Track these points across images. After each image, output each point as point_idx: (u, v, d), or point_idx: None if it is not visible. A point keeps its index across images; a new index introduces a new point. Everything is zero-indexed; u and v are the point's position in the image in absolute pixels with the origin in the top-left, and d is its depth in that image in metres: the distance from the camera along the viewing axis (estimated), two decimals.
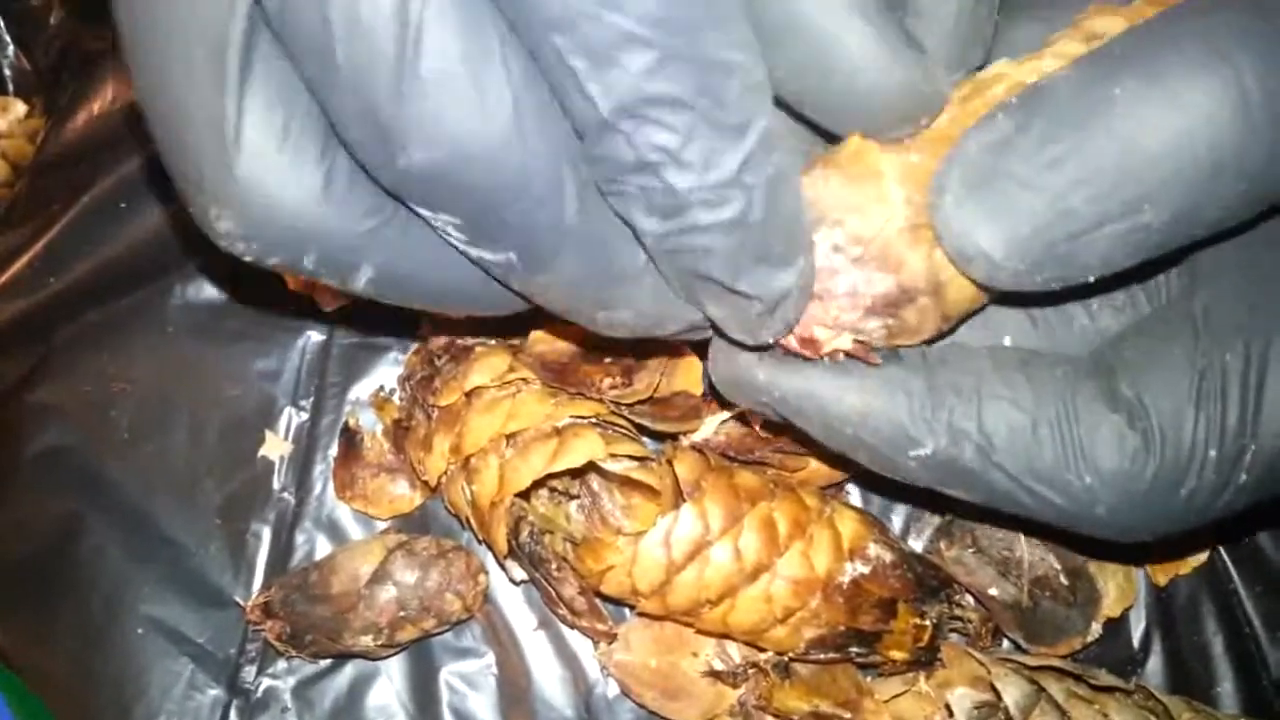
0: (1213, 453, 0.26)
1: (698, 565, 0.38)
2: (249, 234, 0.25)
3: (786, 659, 0.41)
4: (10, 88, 0.59)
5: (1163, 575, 0.45)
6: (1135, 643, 0.45)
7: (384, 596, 0.43)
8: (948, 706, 0.41)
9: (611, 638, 0.43)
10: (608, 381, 0.41)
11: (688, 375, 0.43)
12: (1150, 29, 0.24)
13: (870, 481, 0.46)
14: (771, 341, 0.29)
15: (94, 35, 0.57)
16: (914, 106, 0.26)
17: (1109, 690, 0.39)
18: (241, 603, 0.45)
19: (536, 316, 0.30)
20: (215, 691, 0.45)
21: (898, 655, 0.40)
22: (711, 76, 0.22)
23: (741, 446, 0.42)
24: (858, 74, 0.25)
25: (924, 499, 0.45)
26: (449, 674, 0.45)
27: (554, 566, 0.42)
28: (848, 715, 0.41)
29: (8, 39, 0.59)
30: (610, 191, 0.24)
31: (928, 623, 0.40)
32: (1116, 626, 0.44)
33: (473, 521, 0.42)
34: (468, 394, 0.42)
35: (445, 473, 0.42)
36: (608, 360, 0.42)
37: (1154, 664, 0.45)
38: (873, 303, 0.27)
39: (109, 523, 0.47)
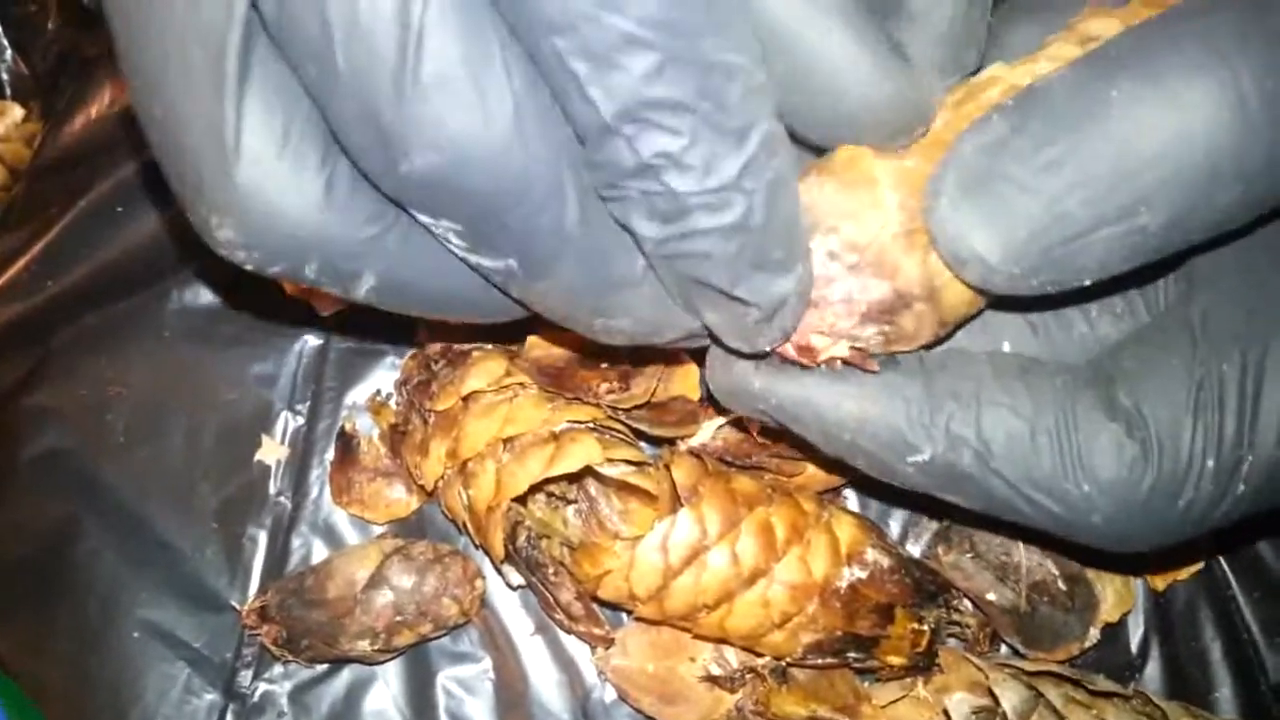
0: (1210, 463, 0.26)
1: (695, 570, 0.38)
2: (250, 242, 0.25)
3: (784, 664, 0.41)
4: (7, 92, 0.59)
5: (1161, 581, 0.45)
6: (1133, 648, 0.45)
7: (380, 601, 0.43)
8: (946, 712, 0.40)
9: (609, 642, 0.43)
10: (605, 386, 0.41)
11: (685, 380, 0.43)
12: (1148, 30, 0.24)
13: (868, 486, 0.46)
14: (768, 350, 0.29)
15: (91, 40, 0.56)
16: (904, 119, 0.26)
17: (1107, 695, 0.39)
18: (238, 607, 0.45)
19: (534, 322, 0.29)
20: (211, 696, 0.45)
21: (895, 660, 0.40)
22: (713, 79, 0.22)
23: (739, 451, 0.42)
24: (844, 89, 0.25)
25: (922, 504, 0.45)
26: (446, 679, 0.45)
27: (551, 571, 0.42)
28: None
29: (5, 43, 0.59)
30: (610, 196, 0.24)
31: (925, 628, 0.40)
32: (1115, 632, 0.44)
33: (469, 526, 0.42)
34: (464, 399, 0.42)
35: (442, 477, 0.42)
36: (605, 365, 0.42)
37: (1152, 669, 0.45)
38: (869, 309, 0.27)
39: (105, 526, 0.46)
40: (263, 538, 0.47)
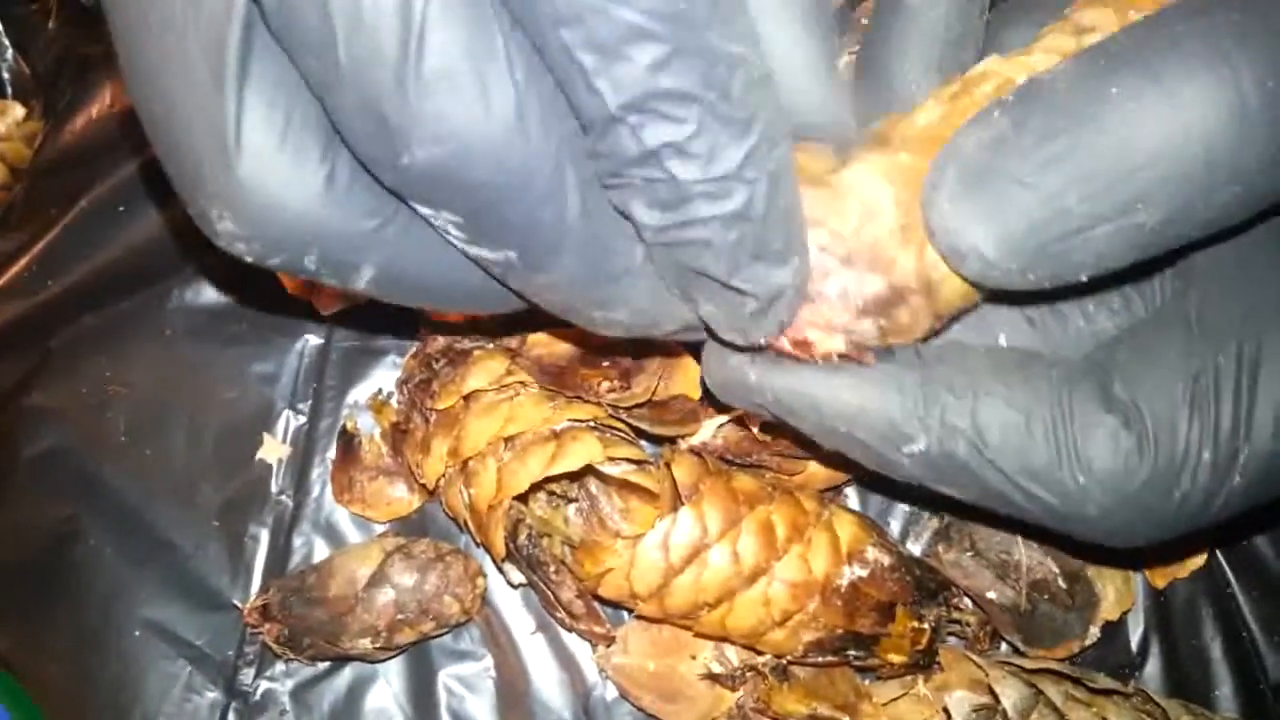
0: (1206, 456, 0.26)
1: (696, 568, 0.38)
2: (250, 234, 0.25)
3: (784, 662, 0.41)
4: (8, 91, 0.59)
5: (1161, 579, 0.45)
6: (1133, 646, 0.45)
7: (382, 599, 0.43)
8: (946, 709, 0.40)
9: (610, 640, 0.43)
10: (606, 385, 0.41)
11: (686, 379, 0.43)
12: (1149, 27, 0.24)
13: (869, 485, 0.46)
14: (764, 342, 0.29)
15: (91, 40, 0.57)
16: (833, 136, 0.26)
17: (1107, 693, 0.39)
18: (239, 605, 0.45)
19: (534, 318, 0.30)
20: (213, 694, 0.45)
21: (896, 658, 0.40)
22: (718, 70, 0.22)
23: (739, 450, 0.42)
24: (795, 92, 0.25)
25: (922, 502, 0.46)
26: (447, 677, 0.45)
27: (552, 569, 0.42)
28: (846, 718, 0.40)
29: (6, 43, 0.59)
30: (612, 184, 0.24)
31: (926, 626, 0.40)
32: (1115, 630, 0.44)
33: (471, 524, 0.42)
34: (466, 397, 0.42)
35: (443, 476, 0.42)
36: (606, 364, 0.42)
37: (1152, 667, 0.45)
38: (864, 303, 0.27)
39: (106, 525, 0.47)
40: (264, 536, 0.47)
